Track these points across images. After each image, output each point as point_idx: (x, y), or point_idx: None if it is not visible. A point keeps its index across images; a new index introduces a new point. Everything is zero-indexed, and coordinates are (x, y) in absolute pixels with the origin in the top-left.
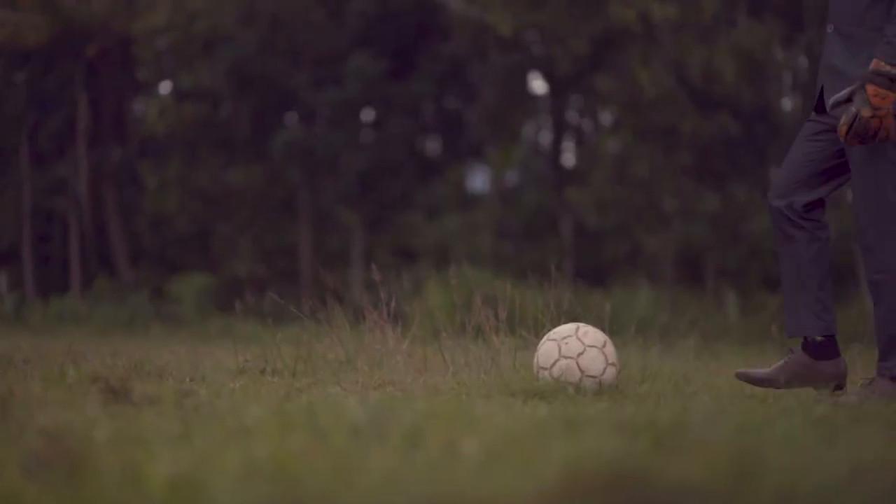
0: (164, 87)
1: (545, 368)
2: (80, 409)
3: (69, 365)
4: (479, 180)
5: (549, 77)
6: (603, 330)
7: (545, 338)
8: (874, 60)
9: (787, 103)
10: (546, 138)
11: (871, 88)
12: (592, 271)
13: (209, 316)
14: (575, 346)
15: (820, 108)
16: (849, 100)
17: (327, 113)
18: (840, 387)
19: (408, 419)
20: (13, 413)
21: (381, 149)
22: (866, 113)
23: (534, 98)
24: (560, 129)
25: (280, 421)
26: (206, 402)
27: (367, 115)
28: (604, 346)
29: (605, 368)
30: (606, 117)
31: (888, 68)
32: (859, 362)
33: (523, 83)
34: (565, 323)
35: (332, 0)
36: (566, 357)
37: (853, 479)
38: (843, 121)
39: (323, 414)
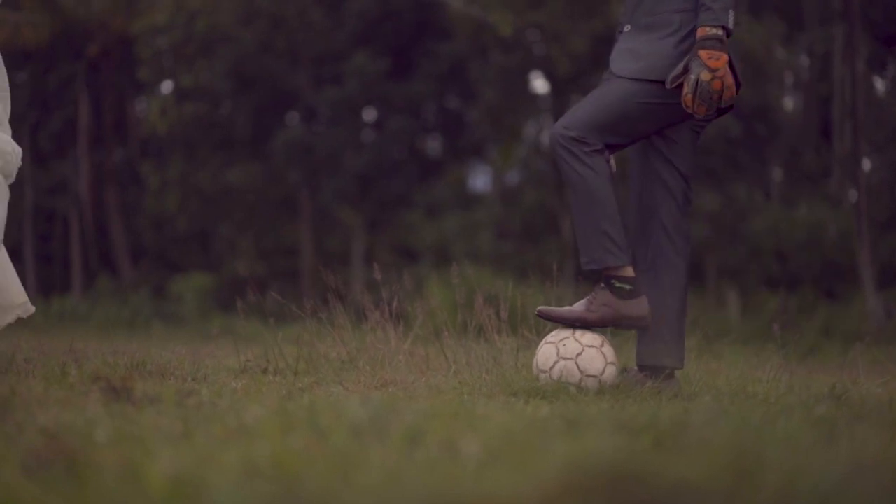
0: (165, 87)
1: (545, 371)
2: (81, 408)
3: (70, 364)
4: (479, 180)
5: (549, 76)
6: (604, 330)
7: (543, 341)
8: (699, 30)
9: (788, 103)
10: (547, 138)
11: (703, 53)
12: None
13: (210, 315)
14: (573, 346)
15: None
16: (685, 72)
17: (328, 112)
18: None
19: (409, 418)
20: (14, 412)
21: (382, 148)
22: (706, 76)
23: (534, 97)
24: None
25: (281, 420)
26: (208, 401)
27: (368, 114)
28: (602, 345)
29: (604, 367)
30: None
31: (713, 31)
32: (861, 362)
33: (524, 82)
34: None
35: None
36: (565, 358)
37: (853, 478)
38: (686, 90)
39: (324, 413)
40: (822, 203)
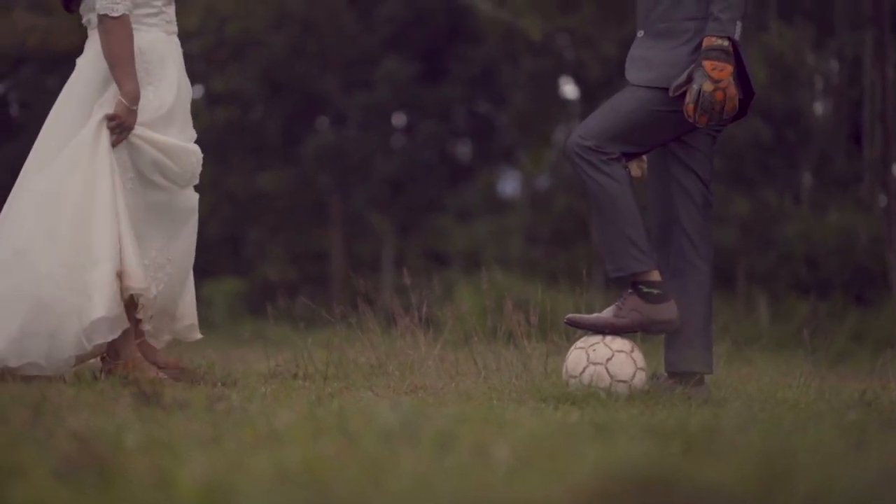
0: (196, 92)
1: (574, 376)
2: (111, 413)
3: (101, 369)
4: (509, 185)
5: (579, 81)
6: (633, 336)
7: (573, 346)
8: (705, 39)
9: (819, 108)
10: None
11: (707, 64)
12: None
13: (241, 320)
14: (603, 351)
15: None
16: (688, 81)
17: (358, 117)
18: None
19: (439, 423)
20: (45, 417)
21: (412, 153)
22: (708, 87)
23: (565, 102)
24: None
25: (311, 425)
26: (238, 406)
27: (399, 119)
28: (632, 350)
29: (634, 373)
30: None
31: (719, 42)
32: (891, 368)
33: (554, 87)
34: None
35: (363, 4)
36: (595, 363)
37: (883, 484)
38: (688, 99)
39: (354, 418)
40: (853, 208)
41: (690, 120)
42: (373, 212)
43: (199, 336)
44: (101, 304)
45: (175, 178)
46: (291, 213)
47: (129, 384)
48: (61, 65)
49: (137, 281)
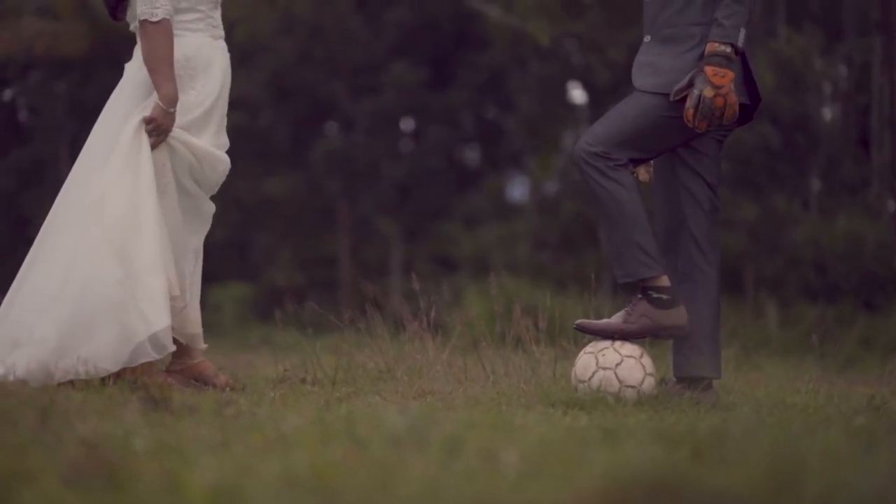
0: None
1: (583, 381)
2: (119, 418)
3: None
4: (518, 190)
5: (587, 86)
6: (643, 341)
7: (582, 351)
8: (708, 44)
9: (827, 113)
10: None
11: (709, 69)
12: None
13: (249, 325)
14: (612, 356)
15: None
16: (689, 86)
17: (366, 122)
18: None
19: (447, 429)
20: (53, 422)
21: (420, 158)
22: (709, 93)
23: (572, 107)
24: None
25: (319, 430)
26: (246, 411)
27: (407, 124)
28: (641, 356)
29: (643, 378)
30: None
31: (722, 48)
32: None
33: (562, 92)
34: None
35: (371, 9)
36: (604, 368)
37: (892, 489)
38: (689, 104)
39: (362, 423)
40: (861, 213)
41: (690, 125)
42: (380, 217)
43: (203, 346)
44: (165, 312)
45: (203, 185)
46: (299, 219)
47: (137, 389)
48: (69, 70)
49: (172, 289)
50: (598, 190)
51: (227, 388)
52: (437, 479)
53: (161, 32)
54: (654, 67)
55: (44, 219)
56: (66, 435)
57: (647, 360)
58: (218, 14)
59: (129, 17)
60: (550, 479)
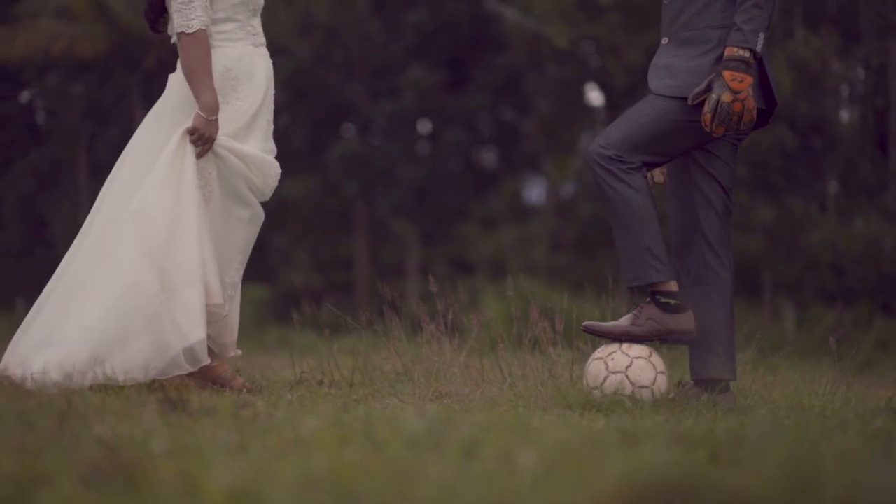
0: None
1: (596, 387)
2: (137, 419)
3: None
4: (534, 192)
5: (605, 89)
6: (661, 343)
7: (591, 358)
8: (727, 49)
9: (844, 115)
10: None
11: (728, 74)
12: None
13: (266, 326)
14: (621, 359)
15: None
16: (707, 90)
17: (384, 124)
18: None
19: (465, 431)
20: (71, 424)
21: (437, 160)
22: (727, 97)
23: (590, 110)
24: None
25: (337, 432)
26: (263, 412)
27: (424, 126)
28: (650, 355)
29: (655, 377)
30: None
31: (741, 52)
32: None
33: (579, 95)
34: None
35: (389, 12)
36: (615, 372)
37: None
38: (706, 109)
39: (380, 425)
40: (879, 216)
41: (707, 130)
42: (398, 219)
43: (234, 353)
44: (201, 325)
45: (255, 191)
46: (317, 221)
47: (155, 390)
48: (86, 72)
49: (214, 297)
50: (610, 192)
51: (245, 390)
52: (455, 481)
53: (197, 43)
54: (669, 70)
55: (60, 220)
56: (84, 436)
57: (657, 359)
58: (257, 22)
59: (169, 31)
60: (568, 481)
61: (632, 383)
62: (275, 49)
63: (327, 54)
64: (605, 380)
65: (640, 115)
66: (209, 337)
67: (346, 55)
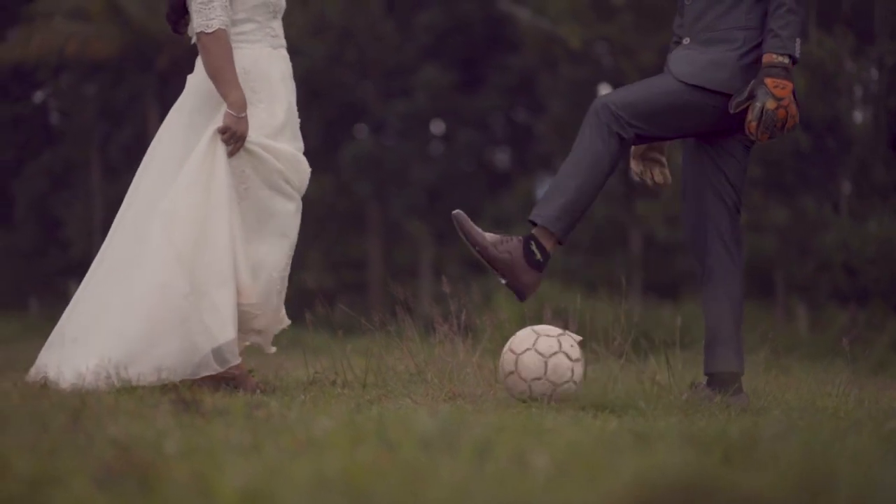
0: None
1: (524, 392)
2: (150, 420)
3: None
4: None
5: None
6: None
7: (503, 375)
8: (765, 56)
9: (858, 116)
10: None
11: (770, 81)
12: (662, 285)
13: None
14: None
15: None
16: (750, 98)
17: (397, 125)
18: None
19: (478, 432)
20: (84, 424)
21: (451, 161)
22: (771, 105)
23: None
24: None
25: (350, 433)
26: (277, 413)
27: (437, 127)
28: (560, 348)
29: (571, 368)
30: None
31: (780, 59)
32: None
33: (592, 95)
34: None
35: (402, 12)
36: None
37: None
38: (750, 117)
39: (393, 426)
40: (892, 217)
41: (752, 137)
42: (410, 219)
43: (272, 350)
44: (230, 326)
45: (293, 187)
46: (330, 221)
47: (168, 391)
48: (99, 73)
49: (248, 297)
50: (588, 138)
51: (258, 391)
52: (468, 482)
53: (218, 42)
54: (690, 59)
55: (73, 221)
56: (97, 437)
57: (567, 344)
58: (277, 24)
59: (189, 32)
60: (581, 482)
61: (553, 384)
62: (289, 49)
63: (341, 54)
64: (529, 388)
65: (655, 87)
66: (258, 332)
67: (360, 55)
